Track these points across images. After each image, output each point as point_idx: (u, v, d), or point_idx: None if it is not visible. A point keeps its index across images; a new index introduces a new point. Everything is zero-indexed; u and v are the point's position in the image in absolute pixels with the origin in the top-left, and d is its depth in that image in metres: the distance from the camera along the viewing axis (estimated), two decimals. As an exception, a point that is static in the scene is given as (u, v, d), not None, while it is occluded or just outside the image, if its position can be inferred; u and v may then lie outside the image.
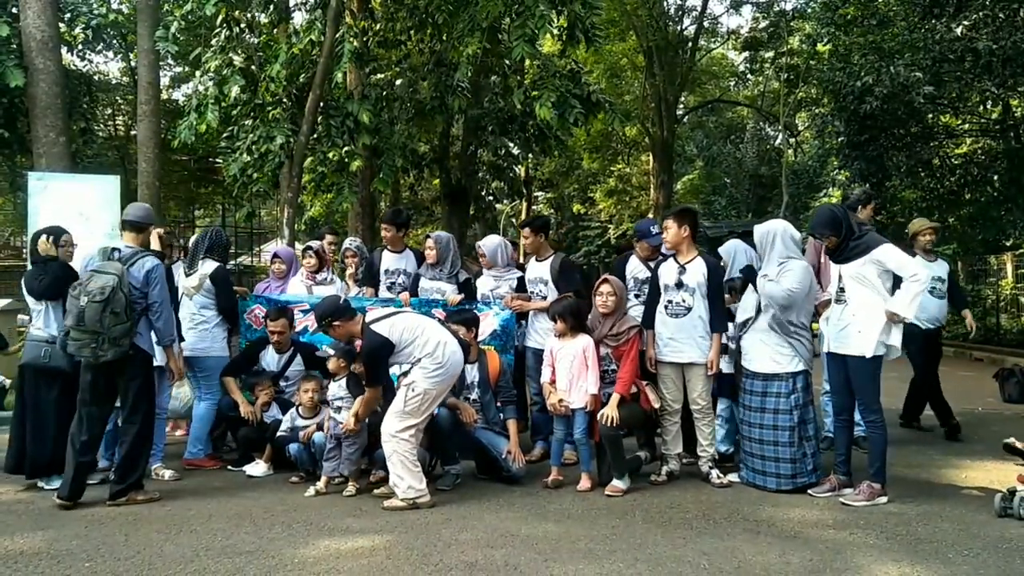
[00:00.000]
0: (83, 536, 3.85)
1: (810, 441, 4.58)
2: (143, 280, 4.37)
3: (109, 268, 4.27)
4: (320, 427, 4.90)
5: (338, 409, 4.75)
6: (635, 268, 5.44)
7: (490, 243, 5.74)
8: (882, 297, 4.27)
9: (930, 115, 12.64)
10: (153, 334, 4.51)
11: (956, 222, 14.37)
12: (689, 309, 4.73)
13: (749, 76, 24.72)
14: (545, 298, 5.44)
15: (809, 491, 4.49)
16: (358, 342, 4.56)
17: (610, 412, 4.45)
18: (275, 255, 6.42)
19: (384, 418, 4.35)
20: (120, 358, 4.22)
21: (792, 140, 24.05)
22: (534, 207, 26.60)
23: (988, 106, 12.93)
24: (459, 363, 4.50)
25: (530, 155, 16.15)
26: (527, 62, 8.25)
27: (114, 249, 4.43)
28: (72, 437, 4.36)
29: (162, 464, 5.08)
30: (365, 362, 4.45)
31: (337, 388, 4.80)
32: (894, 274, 4.29)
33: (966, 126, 14.12)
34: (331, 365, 4.81)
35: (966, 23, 10.03)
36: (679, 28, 22.57)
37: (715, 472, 4.76)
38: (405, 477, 4.26)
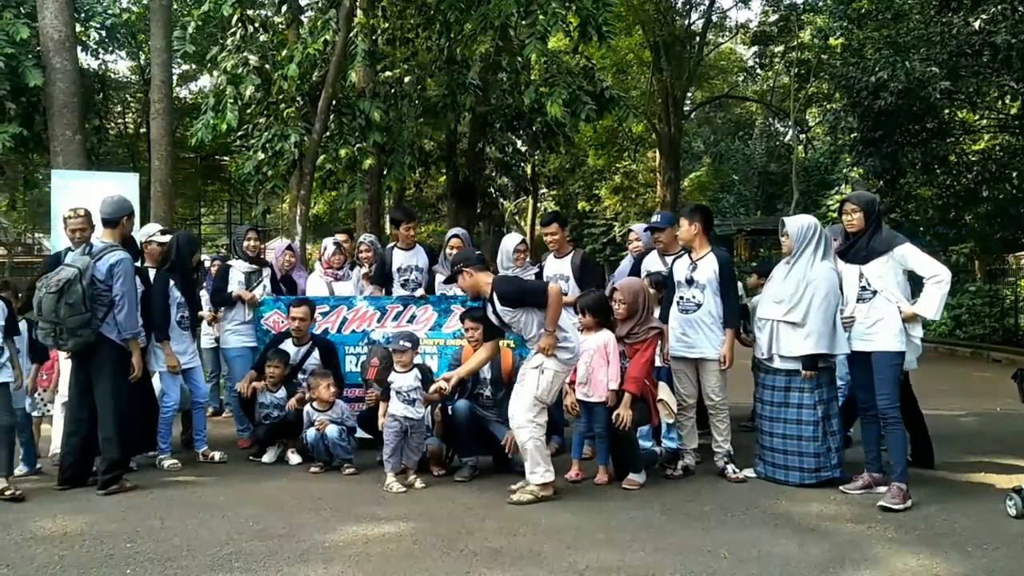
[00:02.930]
0: (121, 519, 3.98)
1: (834, 436, 4.60)
2: (106, 273, 4.44)
3: (77, 262, 4.41)
4: (335, 421, 4.97)
5: (413, 401, 4.67)
6: (650, 262, 5.51)
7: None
8: (904, 295, 4.27)
9: (946, 111, 12.50)
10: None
11: (973, 220, 14.20)
12: (699, 305, 4.78)
13: (758, 71, 24.58)
14: (566, 294, 5.49)
15: (841, 487, 4.50)
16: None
17: (623, 413, 4.50)
18: (288, 247, 6.46)
19: (513, 407, 4.32)
20: (86, 348, 4.36)
21: (803, 136, 23.96)
22: (540, 204, 26.62)
23: (1006, 101, 12.79)
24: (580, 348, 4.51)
25: (537, 152, 16.20)
26: (534, 58, 8.29)
27: (89, 244, 4.55)
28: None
29: (208, 448, 5.37)
30: (514, 294, 4.27)
31: (405, 380, 4.68)
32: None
33: (984, 122, 13.94)
34: (406, 358, 4.70)
35: (984, 17, 9.90)
36: (687, 22, 22.51)
37: (731, 467, 4.80)
38: (541, 463, 4.28)
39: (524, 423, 4.27)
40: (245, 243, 5.98)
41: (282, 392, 5.35)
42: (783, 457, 4.66)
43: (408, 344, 4.74)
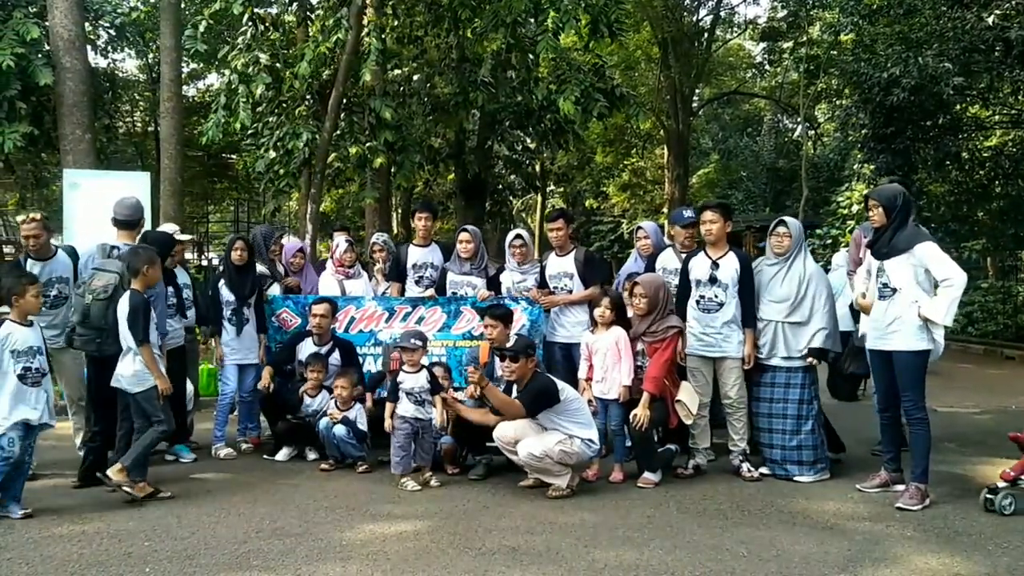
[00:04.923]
0: (138, 518, 3.99)
1: (822, 429, 4.79)
2: None
3: (110, 266, 4.46)
4: (345, 422, 4.96)
5: (423, 402, 4.67)
6: (666, 259, 5.45)
7: (527, 234, 5.87)
8: (925, 294, 4.20)
9: (959, 106, 12.36)
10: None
11: (986, 216, 14.06)
12: (721, 304, 4.77)
13: (767, 67, 24.44)
14: (570, 292, 5.47)
15: (858, 486, 4.50)
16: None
17: (641, 413, 4.49)
18: (300, 249, 6.47)
19: (529, 441, 4.38)
20: (118, 352, 4.37)
21: (812, 132, 23.81)
22: (548, 201, 26.57)
23: (1020, 97, 12.62)
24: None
25: (546, 149, 16.17)
26: (543, 56, 8.28)
27: (113, 247, 4.59)
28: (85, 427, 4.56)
29: (223, 444, 5.47)
30: (531, 394, 4.44)
31: (416, 380, 4.68)
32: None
33: (996, 118, 13.80)
34: (416, 356, 4.69)
35: (997, 12, 9.83)
36: (695, 18, 22.41)
37: (745, 465, 4.79)
38: (554, 471, 4.40)
39: (530, 458, 4.36)
40: (273, 246, 6.03)
41: (324, 395, 5.29)
42: (781, 452, 4.72)
43: (419, 343, 4.73)
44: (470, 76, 10.20)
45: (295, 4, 9.61)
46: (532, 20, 8.41)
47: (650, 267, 5.46)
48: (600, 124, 15.65)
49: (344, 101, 9.04)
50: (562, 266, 5.53)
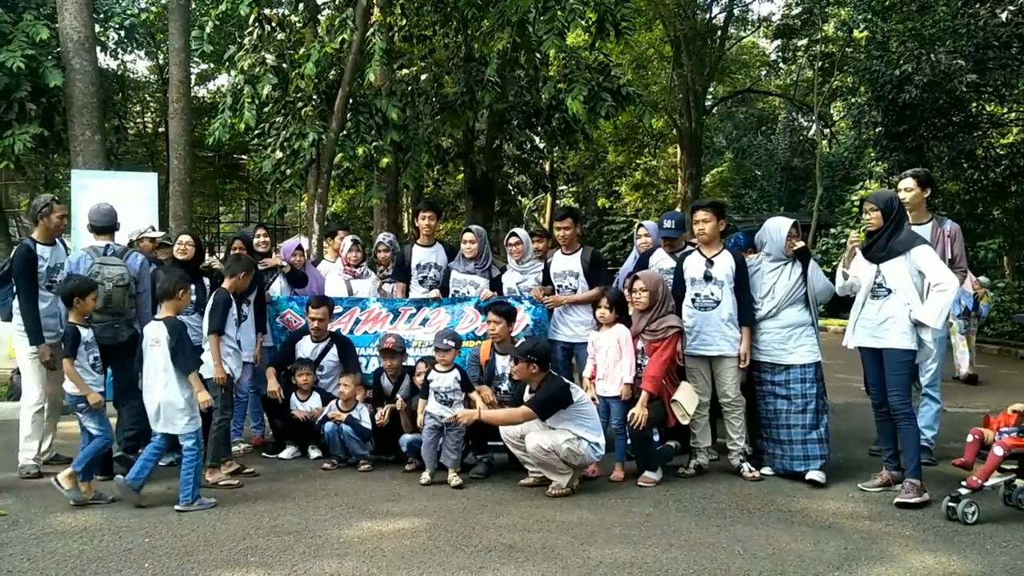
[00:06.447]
0: (138, 515, 4.03)
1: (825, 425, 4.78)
2: (139, 271, 4.80)
3: (112, 261, 4.71)
4: (350, 421, 4.99)
5: (450, 401, 4.71)
6: (660, 258, 5.44)
7: (524, 233, 5.85)
8: (919, 296, 4.22)
9: (973, 104, 12.24)
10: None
11: (1002, 215, 13.94)
12: (718, 302, 4.75)
13: (781, 65, 24.24)
14: (575, 291, 5.46)
15: (860, 485, 4.49)
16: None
17: (638, 412, 4.48)
18: (299, 247, 6.52)
19: (538, 435, 4.41)
20: (129, 339, 4.64)
21: (827, 131, 23.61)
22: (559, 201, 26.53)
23: (1036, 94, 12.49)
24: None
25: (555, 149, 16.17)
26: (552, 54, 8.27)
27: (107, 246, 4.83)
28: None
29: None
30: (545, 398, 4.44)
31: (444, 380, 4.74)
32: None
33: (1012, 115, 13.65)
34: (448, 357, 4.74)
35: (1011, 8, 9.73)
36: (708, 16, 22.30)
37: (746, 465, 4.76)
38: (557, 468, 4.40)
39: (537, 452, 4.37)
40: (255, 240, 5.99)
41: (316, 398, 5.33)
42: (802, 448, 4.69)
43: (451, 343, 4.78)
44: (477, 76, 10.21)
45: (301, 4, 9.65)
46: (541, 18, 8.40)
47: (643, 265, 5.45)
48: (611, 123, 15.60)
49: (351, 101, 9.07)
50: (568, 265, 5.51)
